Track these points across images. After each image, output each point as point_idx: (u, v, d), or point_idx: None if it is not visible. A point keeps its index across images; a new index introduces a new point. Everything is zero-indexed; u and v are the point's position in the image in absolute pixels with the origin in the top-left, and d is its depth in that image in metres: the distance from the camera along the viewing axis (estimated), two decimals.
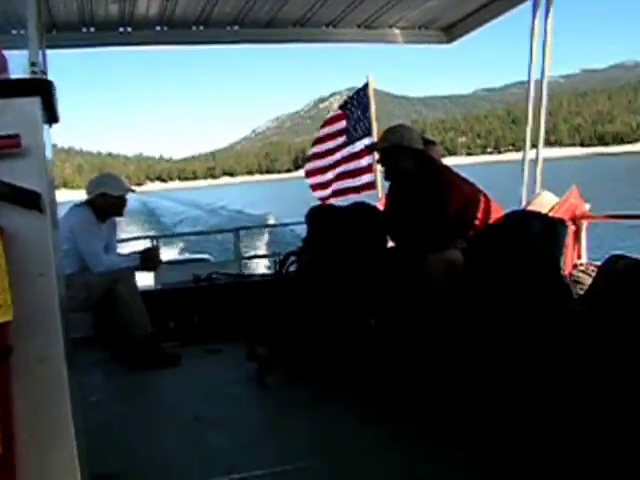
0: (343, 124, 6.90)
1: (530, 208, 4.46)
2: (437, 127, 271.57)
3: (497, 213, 4.18)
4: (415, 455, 2.91)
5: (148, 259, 5.01)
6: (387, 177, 4.32)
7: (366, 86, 6.67)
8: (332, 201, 6.73)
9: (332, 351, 4.09)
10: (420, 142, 4.18)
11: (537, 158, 5.28)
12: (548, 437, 2.55)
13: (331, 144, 7.02)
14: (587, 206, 4.76)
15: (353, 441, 3.14)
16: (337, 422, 3.38)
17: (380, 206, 4.90)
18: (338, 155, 6.95)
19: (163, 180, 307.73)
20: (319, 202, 6.83)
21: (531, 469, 2.54)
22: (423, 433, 3.10)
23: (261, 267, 12.63)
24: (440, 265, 3.77)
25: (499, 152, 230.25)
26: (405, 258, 3.98)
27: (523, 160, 5.38)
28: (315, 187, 7.16)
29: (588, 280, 3.90)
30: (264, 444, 3.25)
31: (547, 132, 5.40)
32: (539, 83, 5.20)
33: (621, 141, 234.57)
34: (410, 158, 4.10)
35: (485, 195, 4.27)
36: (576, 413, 2.47)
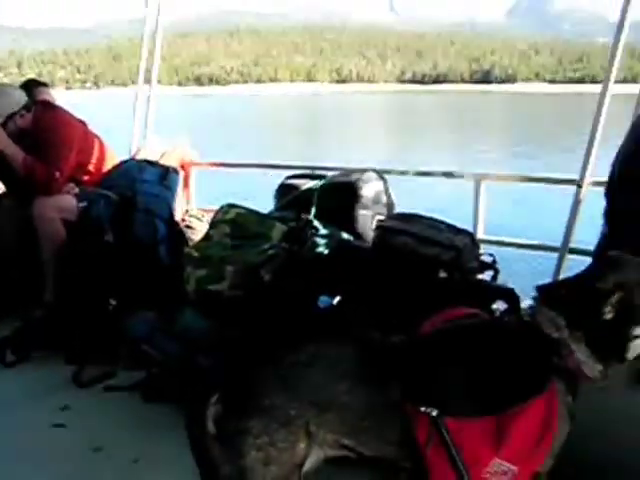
0: None
1: (141, 155, 4.50)
2: (35, 59, 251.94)
3: (112, 159, 4.16)
4: (55, 403, 2.84)
5: None
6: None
7: None
8: None
9: None
10: (23, 95, 3.93)
11: (149, 100, 5.22)
12: None
13: None
14: (195, 153, 4.98)
15: None
16: None
17: None
18: None
19: None
20: None
21: None
22: (63, 380, 3.05)
23: None
24: (52, 210, 3.68)
25: (98, 87, 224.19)
26: (16, 203, 3.85)
27: (135, 101, 5.24)
28: None
29: (199, 225, 4.15)
30: None
31: (147, 71, 5.37)
32: (153, 21, 5.14)
33: (217, 83, 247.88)
34: (24, 115, 3.85)
35: (100, 139, 4.19)
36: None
